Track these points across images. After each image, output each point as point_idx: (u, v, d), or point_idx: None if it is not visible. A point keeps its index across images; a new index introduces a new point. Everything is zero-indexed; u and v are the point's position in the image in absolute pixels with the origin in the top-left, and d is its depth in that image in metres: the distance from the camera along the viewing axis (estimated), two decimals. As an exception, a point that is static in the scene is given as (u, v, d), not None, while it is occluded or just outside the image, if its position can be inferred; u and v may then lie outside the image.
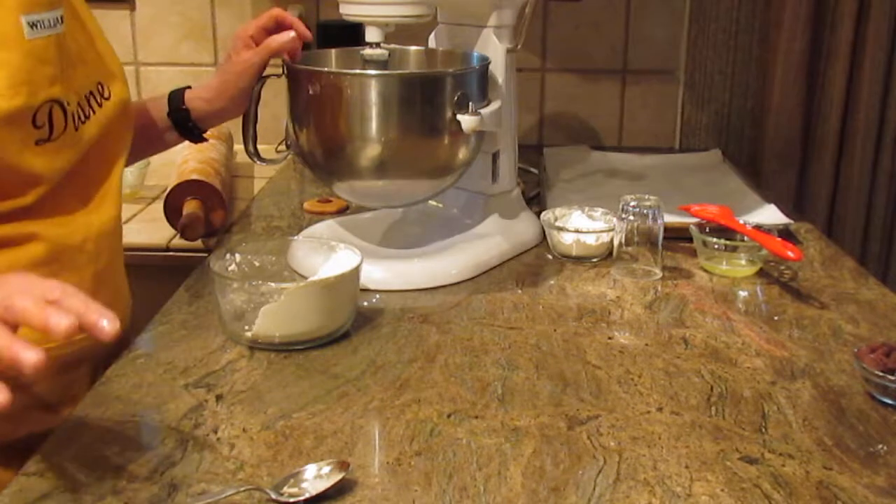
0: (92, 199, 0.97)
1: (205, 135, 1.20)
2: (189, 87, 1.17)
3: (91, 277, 0.94)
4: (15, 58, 0.84)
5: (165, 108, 1.16)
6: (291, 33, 1.10)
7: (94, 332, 0.65)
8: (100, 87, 0.97)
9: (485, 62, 1.17)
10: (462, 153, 1.14)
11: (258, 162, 1.21)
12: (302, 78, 1.10)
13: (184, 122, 1.16)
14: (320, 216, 1.39)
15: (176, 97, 1.16)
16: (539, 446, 0.79)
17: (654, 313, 1.07)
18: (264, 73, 1.14)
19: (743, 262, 1.19)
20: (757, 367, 0.94)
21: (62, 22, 0.90)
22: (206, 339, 0.99)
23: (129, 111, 1.04)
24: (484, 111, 1.11)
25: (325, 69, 1.21)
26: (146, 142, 1.16)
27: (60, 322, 0.62)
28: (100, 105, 0.97)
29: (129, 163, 1.08)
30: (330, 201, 1.47)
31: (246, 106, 1.16)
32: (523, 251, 1.27)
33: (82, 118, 0.93)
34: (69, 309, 0.64)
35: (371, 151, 1.09)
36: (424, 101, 1.09)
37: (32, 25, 0.86)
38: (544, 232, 1.28)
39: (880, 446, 0.79)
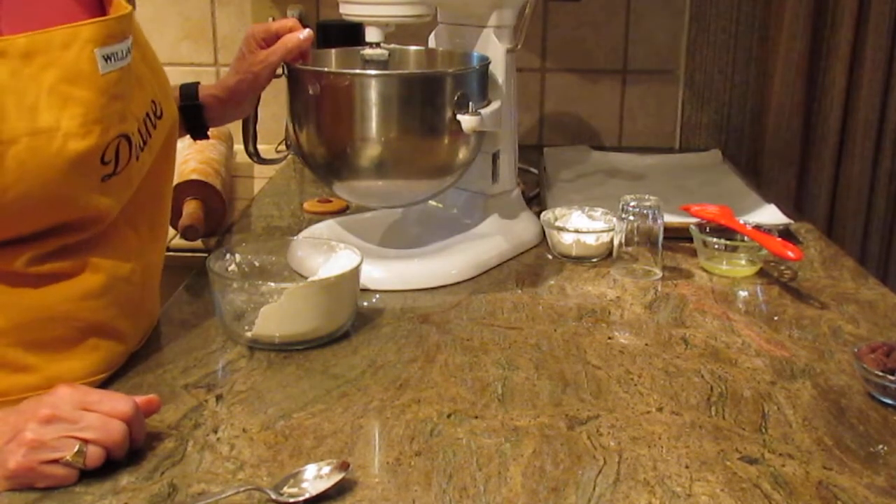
0: (144, 226, 0.93)
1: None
2: (198, 83, 1.13)
3: (132, 309, 0.91)
4: (89, 95, 0.79)
5: (177, 101, 1.09)
6: (307, 31, 1.09)
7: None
8: (153, 105, 0.91)
9: (485, 62, 1.17)
10: (462, 153, 1.14)
11: (258, 162, 1.21)
12: (302, 78, 1.10)
13: (194, 117, 1.12)
14: (320, 216, 1.39)
15: (189, 91, 1.12)
16: (539, 446, 0.79)
17: (654, 313, 1.07)
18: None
19: (743, 262, 1.19)
20: (757, 367, 0.94)
21: (130, 52, 0.85)
22: (206, 339, 0.99)
23: (177, 130, 0.99)
24: (484, 111, 1.11)
25: (325, 69, 1.21)
26: None
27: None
28: (154, 126, 0.91)
29: None
30: (330, 201, 1.47)
31: (255, 107, 1.15)
32: (523, 251, 1.27)
33: (142, 146, 0.88)
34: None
35: (371, 151, 1.09)
36: (424, 101, 1.09)
37: (107, 59, 0.81)
38: (544, 232, 1.28)
39: (880, 446, 0.79)
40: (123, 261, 0.89)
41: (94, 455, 0.72)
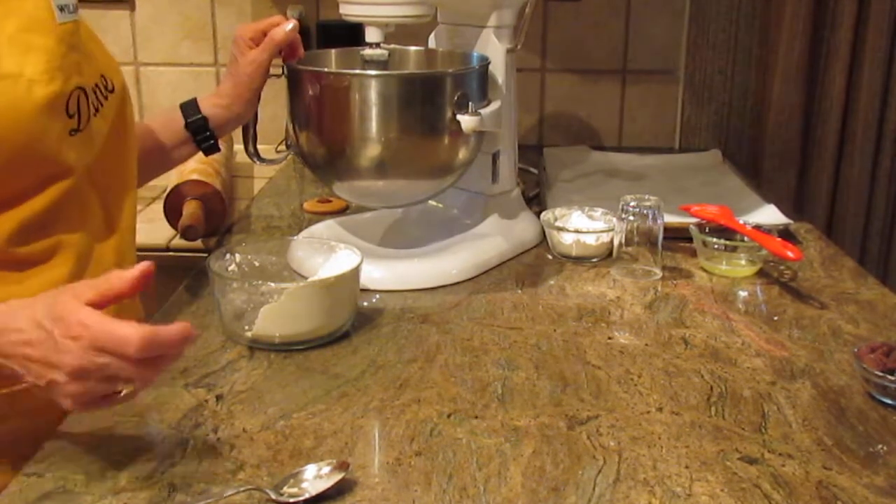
0: (111, 200, 0.95)
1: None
2: (195, 98, 1.14)
3: None
4: (49, 43, 0.83)
5: (180, 121, 1.12)
6: (292, 23, 1.09)
7: None
8: (103, 79, 0.95)
9: (485, 62, 1.17)
10: (462, 153, 1.14)
11: (258, 162, 1.21)
12: (302, 78, 1.10)
13: (201, 132, 1.13)
14: (320, 216, 1.39)
15: (189, 107, 1.13)
16: (539, 446, 0.79)
17: (654, 313, 1.07)
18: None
19: (743, 262, 1.19)
20: (757, 367, 0.94)
21: (78, 8, 0.90)
22: (206, 339, 0.99)
23: (131, 103, 1.03)
24: (484, 111, 1.11)
25: (325, 69, 1.21)
26: (152, 166, 1.13)
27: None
28: (105, 98, 0.95)
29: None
30: (330, 201, 1.47)
31: (257, 107, 1.16)
32: (523, 251, 1.27)
33: (95, 110, 0.92)
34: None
35: (371, 151, 1.09)
36: (424, 101, 1.09)
37: (61, 9, 0.85)
38: (544, 232, 1.28)
39: (880, 446, 0.79)
40: (94, 240, 0.91)
41: (141, 385, 0.73)
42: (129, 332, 0.68)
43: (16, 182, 0.83)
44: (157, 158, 1.13)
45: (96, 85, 0.93)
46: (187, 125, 1.12)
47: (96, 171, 0.92)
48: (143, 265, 0.73)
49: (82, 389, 0.70)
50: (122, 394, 0.73)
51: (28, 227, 0.84)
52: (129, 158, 1.01)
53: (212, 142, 1.14)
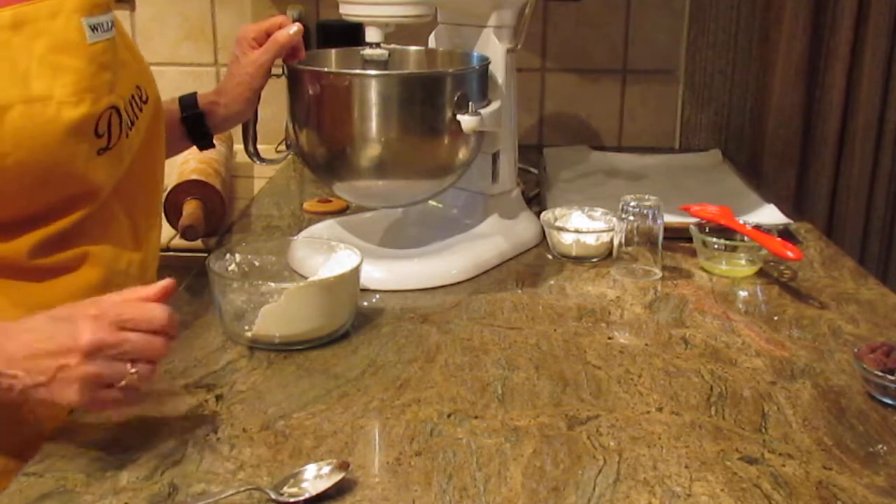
0: (140, 216, 0.95)
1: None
2: (196, 93, 1.14)
3: None
4: (79, 64, 0.82)
5: (178, 113, 1.12)
6: (296, 26, 1.10)
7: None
8: (139, 90, 0.94)
9: (485, 62, 1.17)
10: (462, 153, 1.14)
11: (258, 162, 1.21)
12: (302, 78, 1.10)
13: (197, 126, 1.13)
14: (320, 216, 1.39)
15: (188, 101, 1.13)
16: (539, 446, 0.79)
17: (654, 313, 1.07)
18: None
19: (743, 262, 1.19)
20: (757, 367, 0.94)
21: (114, 25, 0.88)
22: (206, 339, 0.99)
23: (162, 114, 1.02)
24: (484, 111, 1.11)
25: (325, 69, 1.21)
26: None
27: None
28: (140, 110, 0.93)
29: None
30: (330, 201, 1.47)
31: (256, 107, 1.16)
32: (523, 251, 1.27)
33: (130, 124, 0.90)
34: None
35: (371, 151, 1.09)
36: (424, 101, 1.09)
37: (94, 29, 0.84)
38: (544, 232, 1.28)
39: (880, 446, 0.79)
40: (121, 252, 0.90)
41: (146, 372, 0.73)
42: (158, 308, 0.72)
43: (41, 201, 0.82)
44: (169, 140, 1.14)
45: (132, 97, 0.91)
46: (183, 119, 1.12)
47: (124, 184, 0.91)
48: (166, 282, 0.75)
49: (94, 370, 0.70)
50: (124, 393, 0.73)
51: (51, 241, 0.83)
52: (157, 170, 1.00)
53: (206, 138, 1.14)
